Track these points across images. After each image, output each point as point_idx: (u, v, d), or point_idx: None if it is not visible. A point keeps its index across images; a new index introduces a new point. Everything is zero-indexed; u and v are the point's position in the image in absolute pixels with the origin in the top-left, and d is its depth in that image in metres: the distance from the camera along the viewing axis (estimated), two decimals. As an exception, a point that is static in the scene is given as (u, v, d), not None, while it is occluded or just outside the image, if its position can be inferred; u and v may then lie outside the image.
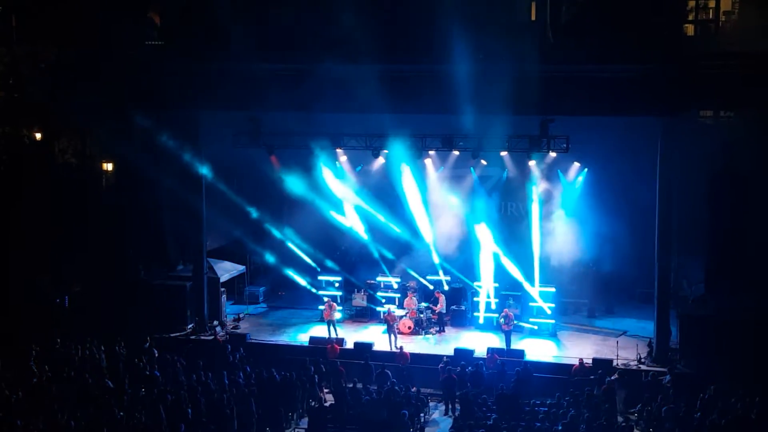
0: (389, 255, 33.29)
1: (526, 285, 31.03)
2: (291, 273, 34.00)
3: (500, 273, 31.70)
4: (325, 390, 26.62)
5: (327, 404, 25.11)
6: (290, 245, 33.66)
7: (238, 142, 30.67)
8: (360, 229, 33.58)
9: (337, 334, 30.36)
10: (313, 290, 33.69)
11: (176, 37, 30.05)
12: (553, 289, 31.09)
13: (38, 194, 31.43)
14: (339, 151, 32.20)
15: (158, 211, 31.32)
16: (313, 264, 33.86)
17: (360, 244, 34.22)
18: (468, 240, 32.32)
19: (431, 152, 31.66)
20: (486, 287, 31.71)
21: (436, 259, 32.71)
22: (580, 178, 32.09)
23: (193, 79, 29.22)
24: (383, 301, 32.41)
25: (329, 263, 33.89)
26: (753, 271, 27.89)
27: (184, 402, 23.28)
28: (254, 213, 33.31)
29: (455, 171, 33.04)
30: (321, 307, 31.81)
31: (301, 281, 34.02)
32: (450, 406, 26.18)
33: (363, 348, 28.94)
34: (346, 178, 33.57)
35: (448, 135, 29.82)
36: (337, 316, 31.40)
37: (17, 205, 31.35)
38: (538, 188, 31.55)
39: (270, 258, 34.03)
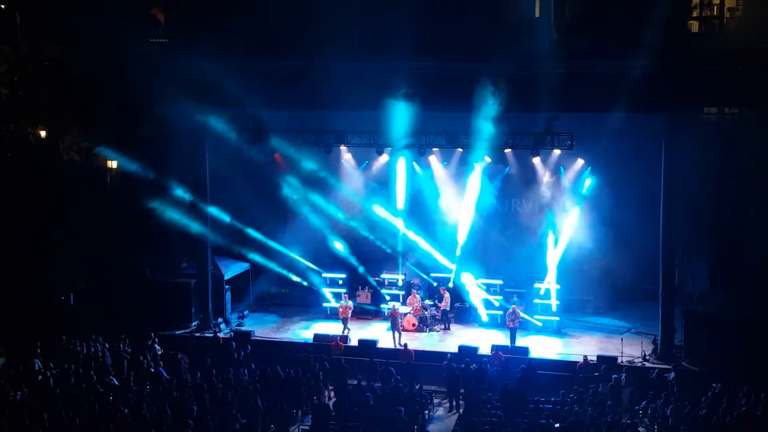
0: (394, 252, 33.28)
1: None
2: (293, 276, 33.97)
3: (505, 270, 31.73)
4: (330, 387, 26.64)
5: (331, 401, 25.14)
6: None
7: (243, 139, 30.69)
8: (364, 226, 33.56)
9: (346, 331, 30.51)
10: (316, 288, 33.75)
11: (181, 34, 30.04)
12: (557, 286, 31.06)
13: (43, 192, 31.44)
14: (342, 148, 32.22)
15: (163, 209, 31.28)
16: (312, 266, 33.79)
17: (364, 242, 34.20)
18: (472, 237, 32.36)
19: (435, 149, 31.67)
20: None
21: (440, 256, 32.71)
22: (586, 179, 32.04)
23: (197, 77, 29.19)
24: (388, 298, 32.42)
25: (333, 260, 33.86)
26: (758, 268, 27.84)
27: (189, 399, 23.33)
28: (257, 210, 33.36)
29: (459, 168, 33.00)
30: (337, 304, 31.95)
31: (303, 282, 34.00)
32: (454, 403, 26.20)
33: (367, 345, 28.98)
34: (351, 175, 33.58)
35: (451, 132, 29.85)
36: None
37: (22, 202, 31.36)
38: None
39: (272, 257, 34.00)
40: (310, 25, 28.04)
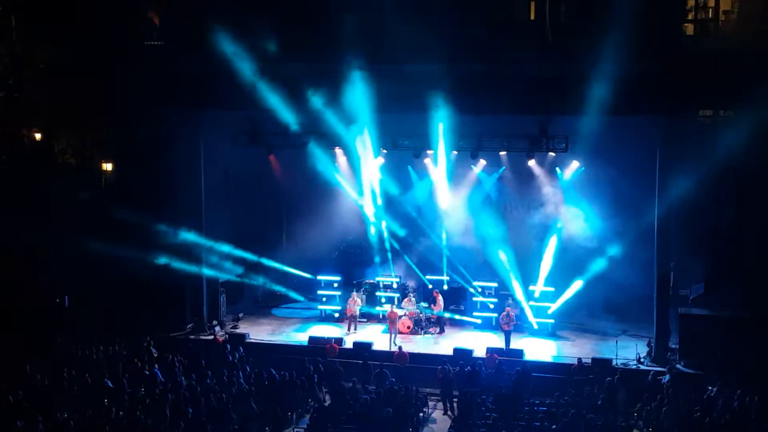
0: (389, 254, 33.30)
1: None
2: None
3: (500, 272, 31.76)
4: (324, 390, 26.62)
5: (326, 404, 25.11)
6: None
7: (238, 141, 30.72)
8: (361, 228, 33.57)
9: (356, 330, 30.86)
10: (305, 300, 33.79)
11: (175, 36, 30.01)
12: (552, 289, 31.07)
13: (38, 194, 31.39)
14: (338, 150, 32.23)
15: (158, 211, 31.25)
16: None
17: (360, 243, 34.20)
18: (468, 239, 32.40)
19: (430, 152, 31.68)
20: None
21: (437, 258, 32.75)
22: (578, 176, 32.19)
23: (192, 79, 29.20)
24: (383, 300, 32.42)
25: (328, 262, 33.88)
26: (752, 271, 27.85)
27: (183, 402, 23.29)
28: (255, 213, 33.40)
29: (454, 171, 33.04)
30: (332, 307, 32.34)
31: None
32: (449, 406, 26.18)
33: (362, 348, 28.95)
34: (345, 177, 33.58)
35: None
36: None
37: (16, 204, 31.30)
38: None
39: (268, 259, 34.00)
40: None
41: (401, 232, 33.29)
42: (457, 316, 31.91)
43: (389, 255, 33.34)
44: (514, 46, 27.50)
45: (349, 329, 31.15)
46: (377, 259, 33.52)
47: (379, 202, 33.12)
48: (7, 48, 32.54)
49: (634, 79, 26.70)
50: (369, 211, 33.17)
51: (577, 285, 31.01)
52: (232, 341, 29.49)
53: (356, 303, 31.47)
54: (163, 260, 31.93)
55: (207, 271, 31.81)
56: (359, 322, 32.23)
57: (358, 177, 32.88)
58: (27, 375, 25.38)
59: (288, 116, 28.89)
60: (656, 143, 28.06)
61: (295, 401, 25.23)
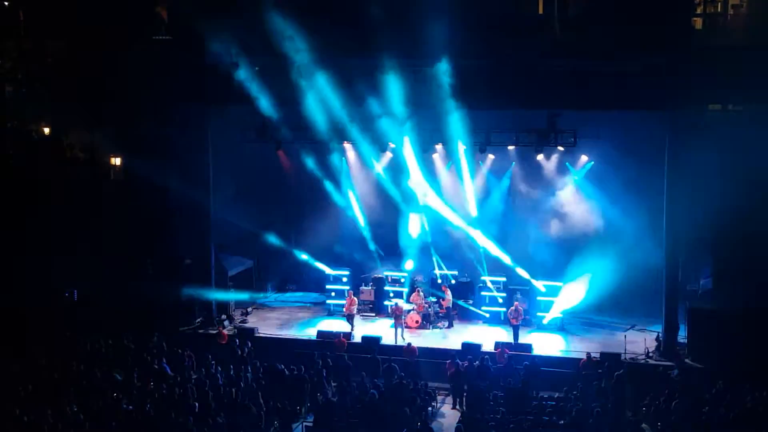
0: (398, 249, 33.33)
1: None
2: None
3: (508, 267, 31.76)
4: (333, 384, 26.65)
5: (334, 398, 25.14)
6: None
7: (246, 137, 30.73)
8: (366, 222, 33.61)
9: (353, 328, 30.61)
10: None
11: (184, 32, 30.02)
12: (560, 284, 31.05)
13: (47, 189, 31.47)
14: (347, 145, 32.21)
15: (166, 205, 31.32)
16: (318, 264, 33.83)
17: (368, 238, 34.23)
18: (477, 233, 32.43)
19: (438, 146, 31.67)
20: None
21: (446, 253, 32.80)
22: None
23: (200, 74, 29.22)
24: (391, 294, 32.44)
25: (338, 257, 33.91)
26: (761, 265, 27.79)
27: (192, 396, 23.34)
28: (263, 207, 33.44)
29: (462, 165, 33.01)
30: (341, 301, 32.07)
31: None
32: (458, 400, 26.21)
33: (371, 342, 28.97)
34: (354, 173, 33.60)
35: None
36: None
37: (25, 199, 31.40)
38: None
39: (278, 254, 34.00)
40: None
41: (410, 227, 33.24)
42: (466, 305, 31.89)
43: (396, 249, 33.37)
44: (523, 40, 27.44)
45: (352, 328, 31.07)
46: (384, 254, 33.51)
47: (385, 196, 33.13)
48: (15, 43, 32.61)
49: (642, 73, 26.69)
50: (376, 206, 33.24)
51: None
52: (240, 336, 29.53)
53: (353, 302, 31.35)
54: (170, 253, 32.09)
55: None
56: (367, 316, 32.25)
57: (366, 171, 32.94)
58: (37, 369, 25.46)
59: (304, 113, 28.93)
60: (665, 138, 27.99)
61: (304, 395, 25.27)
